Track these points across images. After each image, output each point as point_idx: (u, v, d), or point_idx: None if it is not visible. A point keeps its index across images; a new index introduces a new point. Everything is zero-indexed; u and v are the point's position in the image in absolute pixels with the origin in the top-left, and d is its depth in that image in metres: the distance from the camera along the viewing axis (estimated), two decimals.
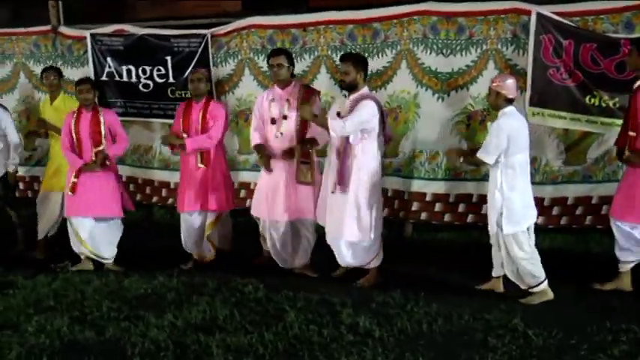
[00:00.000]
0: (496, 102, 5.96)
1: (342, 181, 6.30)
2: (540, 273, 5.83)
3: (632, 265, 6.11)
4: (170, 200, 9.09)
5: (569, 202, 7.28)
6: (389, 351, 4.84)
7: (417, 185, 7.71)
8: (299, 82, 7.16)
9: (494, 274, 6.17)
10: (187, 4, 12.19)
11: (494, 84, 5.99)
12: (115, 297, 6.21)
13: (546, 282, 5.84)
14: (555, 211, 7.27)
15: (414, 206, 7.74)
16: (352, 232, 6.31)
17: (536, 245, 5.90)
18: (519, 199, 5.84)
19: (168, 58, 8.88)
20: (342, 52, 7.82)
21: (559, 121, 7.00)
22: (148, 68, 9.01)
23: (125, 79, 9.10)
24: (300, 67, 8.29)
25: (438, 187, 7.68)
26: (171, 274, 6.75)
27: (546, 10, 6.96)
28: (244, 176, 8.76)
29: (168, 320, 5.52)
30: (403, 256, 7.12)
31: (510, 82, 5.95)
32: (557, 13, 6.93)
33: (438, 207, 7.71)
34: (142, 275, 6.77)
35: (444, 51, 7.47)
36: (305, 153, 6.68)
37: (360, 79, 6.47)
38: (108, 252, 7.30)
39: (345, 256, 6.50)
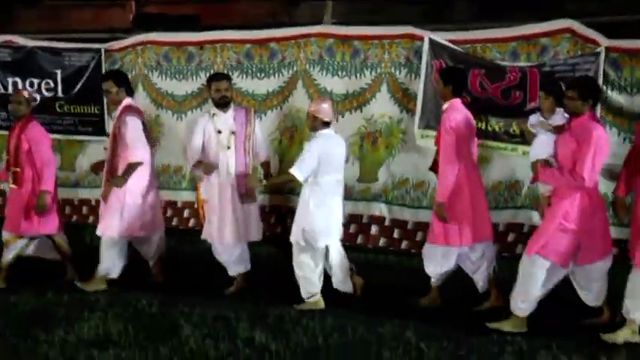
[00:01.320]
0: (313, 125, 6.24)
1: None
2: (315, 288, 6.18)
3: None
4: None
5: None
6: None
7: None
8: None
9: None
10: (76, 17, 12.00)
11: (311, 108, 6.28)
12: (2, 314, 5.97)
13: (319, 295, 6.18)
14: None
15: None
16: None
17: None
18: (323, 217, 6.12)
19: (58, 71, 8.72)
20: (238, 71, 7.92)
21: None
22: (35, 81, 8.80)
23: (10, 91, 8.80)
24: (195, 85, 8.30)
25: None
26: (60, 290, 6.53)
27: (438, 37, 7.24)
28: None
29: (59, 336, 5.36)
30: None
31: (326, 106, 6.24)
32: (449, 40, 7.23)
33: None
34: (30, 292, 6.53)
35: (340, 73, 7.64)
36: None
37: None
38: None
39: None
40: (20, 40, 8.92)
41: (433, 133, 7.11)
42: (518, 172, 7.02)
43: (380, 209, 7.63)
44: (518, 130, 6.91)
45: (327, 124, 6.20)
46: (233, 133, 6.61)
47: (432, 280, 6.24)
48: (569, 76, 6.67)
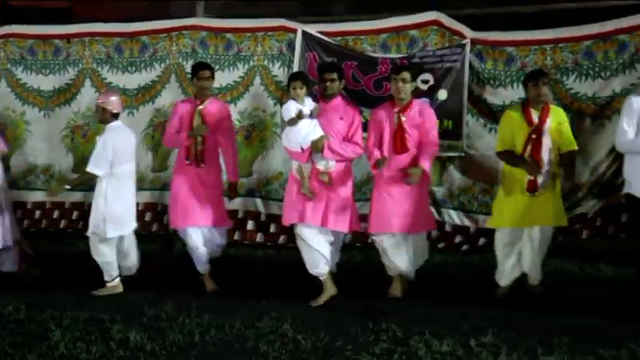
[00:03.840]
0: (103, 117, 6.43)
1: None
2: (115, 272, 6.49)
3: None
4: None
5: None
6: None
7: None
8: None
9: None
10: None
11: (99, 100, 6.45)
12: None
13: (118, 279, 6.49)
14: None
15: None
16: None
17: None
18: (121, 206, 6.34)
19: None
20: (109, 66, 7.72)
21: None
22: None
23: None
24: (63, 79, 8.03)
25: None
26: None
27: (311, 29, 7.27)
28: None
29: None
30: (175, 269, 7.09)
31: (114, 98, 6.45)
32: (322, 32, 7.27)
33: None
34: None
35: (214, 65, 7.53)
36: None
37: None
38: None
39: None
40: None
41: None
42: None
43: (255, 204, 7.62)
44: None
45: (116, 116, 6.41)
46: None
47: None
48: (438, 67, 6.88)
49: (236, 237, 7.63)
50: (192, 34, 7.68)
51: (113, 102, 6.40)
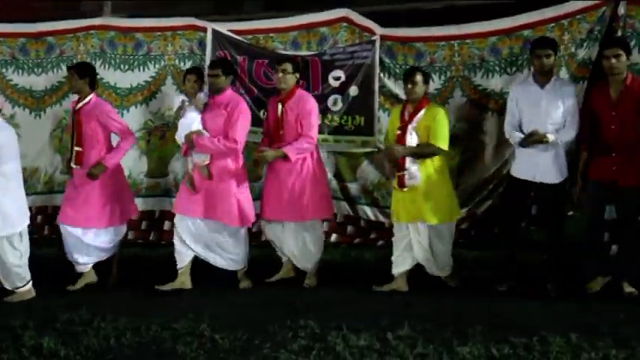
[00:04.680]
0: None
1: None
2: (27, 275, 6.28)
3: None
4: None
5: None
6: None
7: None
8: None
9: None
10: None
11: None
12: None
13: (31, 283, 6.31)
14: None
15: None
16: None
17: None
18: (13, 204, 6.16)
19: None
20: (13, 67, 7.54)
21: None
22: None
23: None
24: None
25: None
26: None
27: (221, 28, 7.24)
28: None
29: None
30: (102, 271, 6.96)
31: None
32: (232, 31, 7.26)
33: None
34: None
35: (122, 66, 7.44)
36: None
37: None
38: None
39: None
40: None
41: None
42: None
43: (171, 204, 7.52)
44: None
45: None
46: None
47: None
48: (349, 63, 6.95)
49: (152, 237, 7.59)
50: (100, 34, 7.55)
51: None
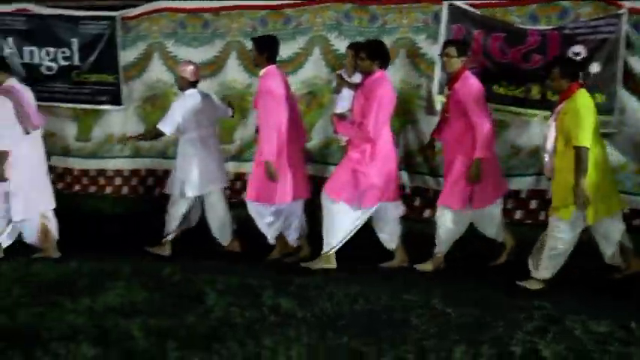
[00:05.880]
0: (181, 84, 6.93)
1: None
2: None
3: None
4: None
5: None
6: (312, 330, 4.87)
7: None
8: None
9: None
10: None
11: (179, 68, 6.99)
12: (25, 283, 6.00)
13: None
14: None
15: None
16: None
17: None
18: (198, 168, 6.79)
19: (75, 40, 8.65)
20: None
21: None
22: (52, 50, 8.74)
23: (27, 60, 8.78)
24: (210, 52, 8.26)
25: None
26: (82, 260, 6.55)
27: (458, 1, 7.16)
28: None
29: (85, 304, 5.37)
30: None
31: (191, 68, 6.90)
32: (468, 4, 7.14)
33: None
34: (50, 261, 6.58)
35: (358, 38, 7.56)
36: None
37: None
38: None
39: None
40: (34, 8, 8.85)
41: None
42: (538, 138, 6.85)
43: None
44: (538, 95, 6.85)
45: (193, 84, 6.89)
46: None
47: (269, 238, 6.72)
48: (590, 38, 6.61)
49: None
50: (337, 7, 7.72)
51: (190, 71, 6.86)
